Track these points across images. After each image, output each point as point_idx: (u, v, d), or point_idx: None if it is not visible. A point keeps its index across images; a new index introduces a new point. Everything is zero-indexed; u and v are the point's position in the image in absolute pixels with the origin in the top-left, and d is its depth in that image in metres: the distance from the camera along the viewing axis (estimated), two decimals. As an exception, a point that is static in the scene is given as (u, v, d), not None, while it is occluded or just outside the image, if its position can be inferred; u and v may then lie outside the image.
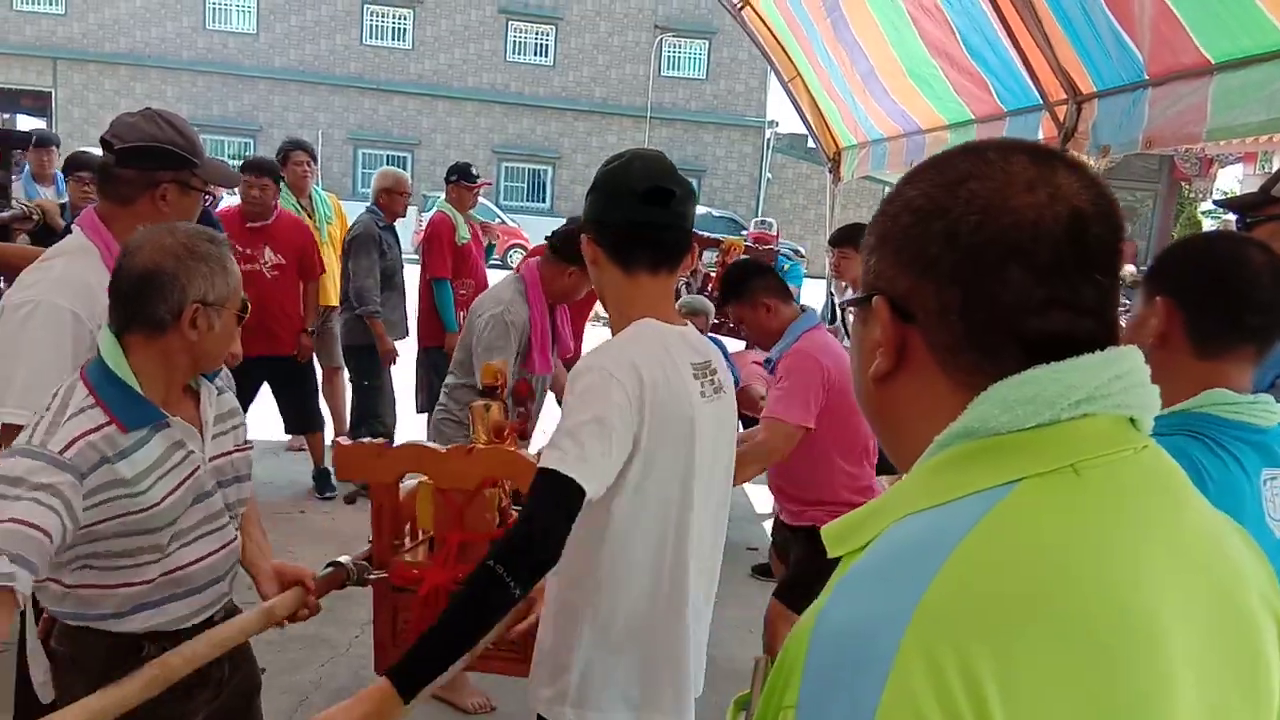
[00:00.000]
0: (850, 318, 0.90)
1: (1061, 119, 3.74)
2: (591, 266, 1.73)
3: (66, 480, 1.50)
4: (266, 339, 4.90)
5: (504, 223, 22.36)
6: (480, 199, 5.63)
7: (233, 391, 1.94)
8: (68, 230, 3.53)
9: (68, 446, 1.53)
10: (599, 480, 1.50)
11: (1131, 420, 0.74)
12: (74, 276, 1.94)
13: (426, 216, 5.82)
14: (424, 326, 5.37)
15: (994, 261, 0.72)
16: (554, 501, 1.46)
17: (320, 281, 5.33)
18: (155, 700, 1.67)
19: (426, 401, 5.50)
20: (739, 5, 6.83)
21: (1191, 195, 18.63)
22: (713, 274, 5.59)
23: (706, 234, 5.68)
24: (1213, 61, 2.86)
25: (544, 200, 29.87)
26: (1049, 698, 0.61)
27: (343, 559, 1.96)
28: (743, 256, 6.04)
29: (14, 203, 4.10)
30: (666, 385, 1.59)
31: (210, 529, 1.77)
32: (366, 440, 2.06)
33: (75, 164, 4.78)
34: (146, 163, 2.06)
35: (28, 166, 6.17)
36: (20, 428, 1.64)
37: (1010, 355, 0.73)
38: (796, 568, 3.12)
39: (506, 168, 29.67)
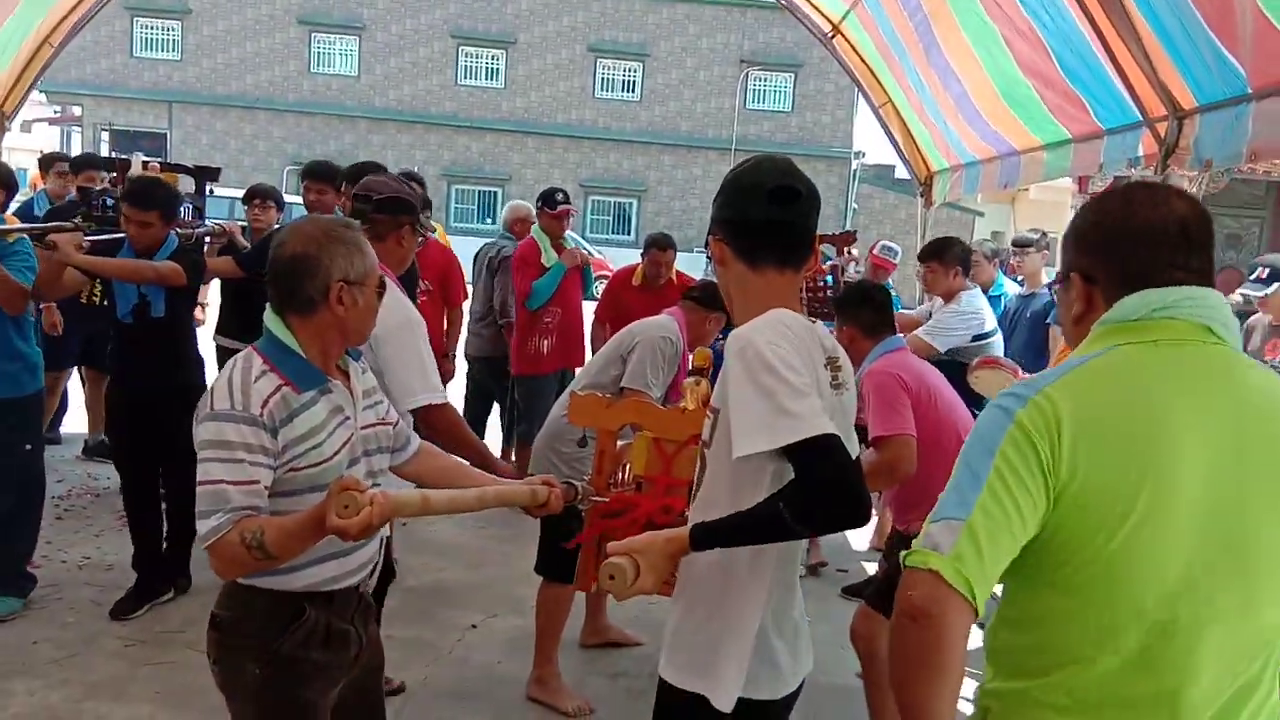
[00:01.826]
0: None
1: (1162, 135, 3.71)
2: (719, 267, 1.80)
3: (268, 438, 1.74)
4: None
5: (590, 254, 22.59)
6: (569, 232, 5.71)
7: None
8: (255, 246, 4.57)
9: (263, 406, 1.74)
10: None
11: (1210, 330, 1.32)
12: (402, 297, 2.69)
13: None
14: (517, 354, 5.51)
15: (1132, 244, 1.36)
16: (831, 459, 1.53)
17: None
18: (324, 646, 1.88)
19: (511, 428, 5.67)
20: (830, 34, 6.92)
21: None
22: None
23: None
24: (1320, 72, 2.83)
25: (629, 233, 30.25)
26: (1092, 436, 1.24)
27: (576, 482, 2.22)
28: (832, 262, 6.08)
29: (208, 223, 4.96)
30: (810, 365, 1.65)
31: None
32: (597, 393, 2.61)
33: (254, 194, 5.37)
34: (395, 210, 2.82)
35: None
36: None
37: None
38: (888, 573, 3.16)
39: (594, 201, 30.19)
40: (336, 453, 1.83)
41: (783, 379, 1.55)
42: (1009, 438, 1.25)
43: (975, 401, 4.28)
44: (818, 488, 1.52)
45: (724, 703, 1.67)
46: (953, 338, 4.61)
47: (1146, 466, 1.22)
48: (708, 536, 1.60)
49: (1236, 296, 4.71)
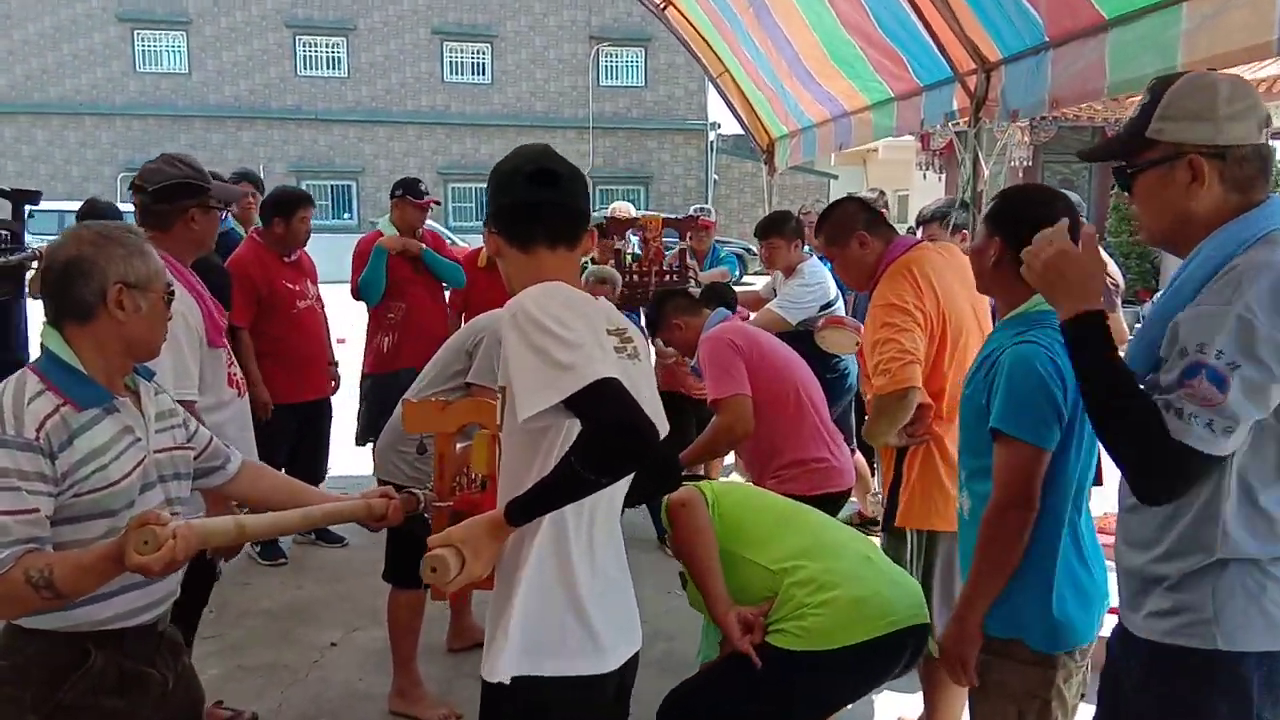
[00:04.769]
0: None
1: (972, 88, 3.81)
2: (498, 261, 1.79)
3: (46, 464, 1.62)
4: (319, 381, 4.68)
5: (454, 244, 22.04)
6: (432, 222, 5.37)
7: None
8: None
9: (39, 429, 1.62)
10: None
11: None
12: None
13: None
14: (367, 351, 5.14)
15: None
16: (610, 401, 1.51)
17: None
18: (117, 692, 1.74)
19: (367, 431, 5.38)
20: (662, 5, 6.88)
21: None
22: (639, 256, 5.60)
23: (625, 215, 5.65)
24: (1106, 17, 2.93)
25: (494, 218, 29.77)
26: None
27: (417, 490, 2.14)
28: (679, 245, 6.08)
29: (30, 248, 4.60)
30: (589, 326, 1.63)
31: None
32: (431, 398, 2.53)
33: (85, 214, 4.93)
34: (174, 196, 2.73)
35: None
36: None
37: None
38: None
39: (453, 188, 29.54)
40: (127, 475, 1.72)
41: (554, 334, 1.54)
42: None
43: (822, 361, 4.35)
44: (600, 431, 1.50)
45: (548, 670, 1.65)
46: (803, 310, 4.66)
47: None
48: (521, 509, 1.57)
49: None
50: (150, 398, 1.86)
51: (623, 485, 1.79)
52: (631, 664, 1.81)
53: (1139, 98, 1.73)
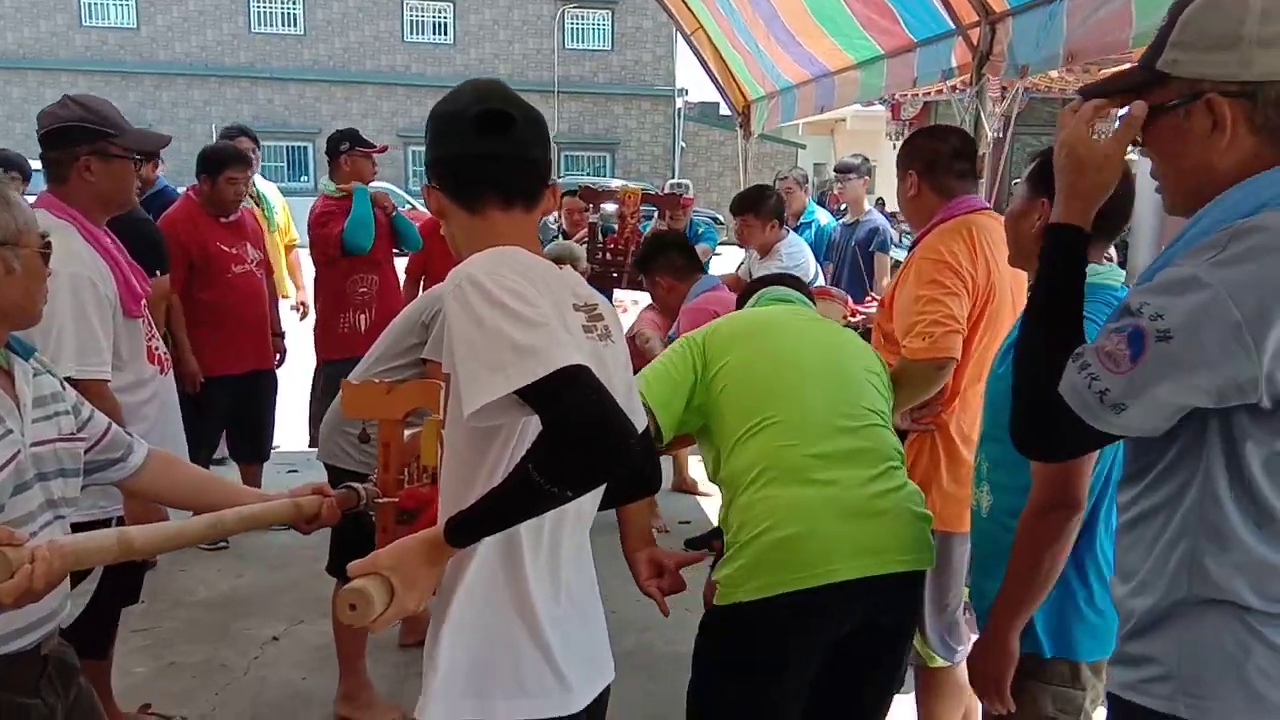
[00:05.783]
0: None
1: (975, 42, 3.53)
2: (441, 221, 1.54)
3: None
4: (260, 351, 4.29)
5: (413, 208, 21.59)
6: (386, 183, 4.88)
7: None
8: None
9: None
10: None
11: None
12: (76, 249, 2.29)
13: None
14: (324, 337, 4.64)
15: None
16: (578, 393, 1.23)
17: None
18: None
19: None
20: (634, -44, 6.53)
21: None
22: (613, 230, 5.21)
23: (601, 186, 5.31)
24: (1134, -41, 2.65)
25: (456, 183, 29.23)
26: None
27: (358, 485, 1.88)
28: (655, 223, 5.68)
29: None
30: (553, 300, 1.37)
31: (33, 528, 1.53)
32: (374, 380, 2.20)
33: None
34: (65, 142, 2.44)
35: None
36: (81, 382, 1.97)
37: None
38: None
39: (413, 151, 28.88)
40: None
41: (509, 309, 1.27)
42: None
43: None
44: (565, 432, 1.22)
45: (500, 715, 1.38)
46: None
47: None
48: (465, 527, 1.29)
49: None
50: (27, 380, 1.58)
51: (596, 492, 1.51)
52: (602, 700, 1.53)
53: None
